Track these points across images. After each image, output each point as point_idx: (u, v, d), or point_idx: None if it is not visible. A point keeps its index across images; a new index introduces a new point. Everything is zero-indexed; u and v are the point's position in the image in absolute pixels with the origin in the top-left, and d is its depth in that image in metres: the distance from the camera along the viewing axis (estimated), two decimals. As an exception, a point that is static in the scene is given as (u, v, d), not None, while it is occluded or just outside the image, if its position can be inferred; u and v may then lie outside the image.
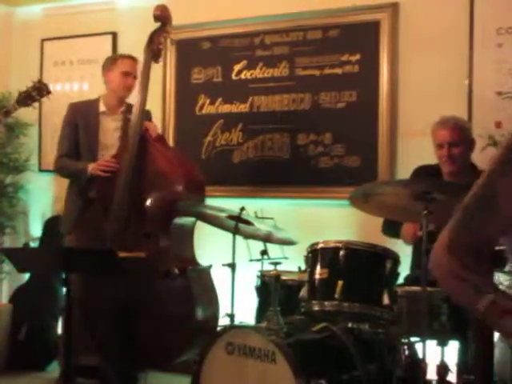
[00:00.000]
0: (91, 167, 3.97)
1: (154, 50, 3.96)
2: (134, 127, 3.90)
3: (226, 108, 4.73)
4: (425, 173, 3.59)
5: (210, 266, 4.00)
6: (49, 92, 3.76)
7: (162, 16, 3.94)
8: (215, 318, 3.90)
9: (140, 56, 4.07)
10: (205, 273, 3.98)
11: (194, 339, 3.73)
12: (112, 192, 3.85)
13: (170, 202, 3.81)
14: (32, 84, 3.75)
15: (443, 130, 3.49)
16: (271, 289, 3.17)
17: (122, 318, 3.70)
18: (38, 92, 3.72)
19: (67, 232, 4.13)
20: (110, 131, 4.14)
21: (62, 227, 4.26)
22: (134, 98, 4.07)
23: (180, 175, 3.92)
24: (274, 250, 3.57)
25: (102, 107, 4.16)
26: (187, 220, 3.94)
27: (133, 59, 4.16)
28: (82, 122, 4.12)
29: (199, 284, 3.87)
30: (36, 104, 3.96)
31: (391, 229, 3.60)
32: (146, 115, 4.05)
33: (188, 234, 4.00)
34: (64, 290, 3.21)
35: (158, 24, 3.96)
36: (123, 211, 3.82)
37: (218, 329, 3.12)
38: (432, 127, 3.55)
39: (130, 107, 4.14)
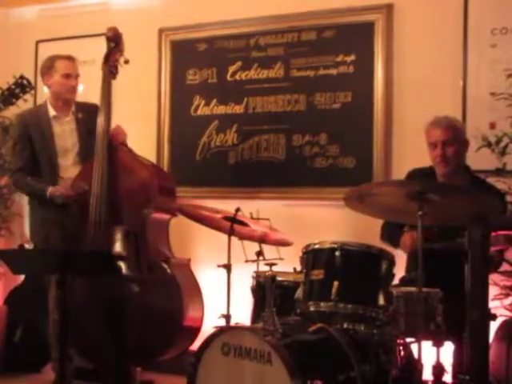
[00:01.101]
0: (50, 192, 3.95)
1: (110, 67, 4.12)
2: (101, 141, 3.97)
3: (221, 109, 4.73)
4: (420, 175, 3.58)
5: (189, 260, 4.12)
6: (32, 88, 3.65)
7: (115, 36, 4.15)
8: (201, 308, 4.00)
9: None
10: (184, 265, 4.08)
11: (182, 330, 3.82)
12: (87, 199, 3.94)
13: (145, 200, 3.93)
14: (14, 80, 3.60)
15: (436, 130, 3.47)
16: (267, 290, 3.16)
17: (111, 317, 3.73)
18: (21, 89, 3.57)
19: (39, 242, 4.13)
20: (66, 134, 4.13)
21: (32, 238, 4.23)
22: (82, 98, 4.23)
23: (151, 174, 4.02)
24: (269, 250, 3.57)
25: (51, 112, 4.12)
26: (162, 216, 4.05)
27: (70, 59, 4.16)
28: (35, 131, 4.08)
29: (182, 274, 3.95)
30: (34, 86, 3.84)
31: (390, 238, 3.60)
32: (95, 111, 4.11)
33: (164, 228, 4.09)
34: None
35: (112, 44, 4.14)
36: (101, 214, 3.90)
37: (214, 330, 3.11)
38: (425, 127, 3.53)
39: (79, 106, 4.18)
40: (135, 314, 3.72)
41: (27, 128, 4.08)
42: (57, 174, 4.06)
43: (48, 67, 4.13)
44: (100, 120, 4.02)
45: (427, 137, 3.52)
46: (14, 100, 3.61)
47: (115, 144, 4.04)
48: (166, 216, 4.08)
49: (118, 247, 3.89)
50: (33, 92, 3.87)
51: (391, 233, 3.56)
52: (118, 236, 3.92)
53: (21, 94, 3.59)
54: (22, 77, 3.62)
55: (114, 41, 4.13)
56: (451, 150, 3.44)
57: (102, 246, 3.85)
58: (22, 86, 3.58)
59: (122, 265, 3.76)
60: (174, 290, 3.81)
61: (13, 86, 3.58)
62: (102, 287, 3.69)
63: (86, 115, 4.14)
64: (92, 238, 3.90)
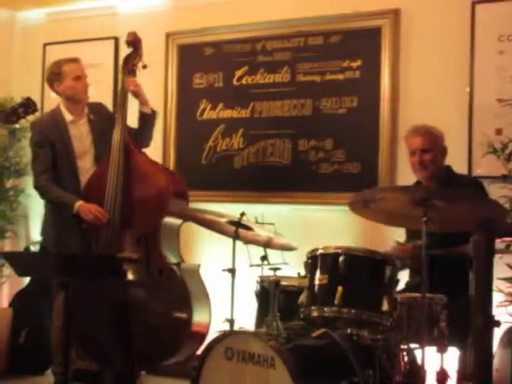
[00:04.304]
0: (79, 206, 3.88)
1: (129, 70, 4.11)
2: (117, 143, 3.96)
3: (227, 113, 4.74)
4: None
5: (199, 266, 4.08)
6: (35, 110, 3.58)
7: (134, 41, 4.13)
8: (208, 314, 3.96)
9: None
10: (194, 271, 4.04)
11: (189, 335, 3.79)
12: (101, 202, 3.92)
13: (158, 205, 3.91)
14: (20, 100, 3.57)
15: (415, 137, 3.57)
16: (271, 294, 3.17)
17: (118, 319, 3.73)
18: (24, 109, 3.52)
19: (51, 244, 4.09)
20: (83, 137, 4.10)
21: (44, 239, 4.21)
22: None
23: (165, 179, 3.99)
24: (274, 255, 3.57)
25: (67, 116, 4.08)
26: (173, 220, 4.02)
27: (76, 61, 4.12)
28: (54, 135, 4.03)
29: (191, 280, 3.92)
30: (38, 108, 3.84)
31: None
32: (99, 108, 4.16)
33: (175, 233, 4.06)
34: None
35: (131, 49, 4.13)
36: (114, 218, 3.89)
37: (218, 334, 3.10)
38: (405, 135, 3.65)
39: (89, 107, 4.14)
40: (143, 317, 3.71)
41: (46, 133, 4.04)
42: (76, 177, 4.05)
43: (56, 74, 4.08)
44: (117, 124, 4.01)
45: (407, 144, 3.64)
46: (14, 119, 3.56)
47: (131, 148, 4.01)
48: (177, 221, 4.05)
49: (129, 250, 3.88)
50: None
51: None
52: (130, 239, 3.91)
53: (22, 114, 3.54)
54: (28, 98, 3.58)
55: (133, 45, 4.13)
56: (428, 157, 3.53)
57: (114, 248, 3.84)
58: (25, 107, 3.54)
59: (132, 269, 3.76)
60: (183, 296, 3.79)
61: (16, 106, 3.55)
62: (108, 291, 3.68)
63: (98, 116, 4.13)
64: (104, 241, 3.89)
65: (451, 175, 3.63)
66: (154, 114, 4.15)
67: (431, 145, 3.54)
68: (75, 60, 4.13)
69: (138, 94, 4.09)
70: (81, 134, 4.10)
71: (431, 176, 3.54)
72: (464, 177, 3.69)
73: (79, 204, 3.89)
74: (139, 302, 3.73)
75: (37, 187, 4.07)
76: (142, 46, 4.14)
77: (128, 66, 4.12)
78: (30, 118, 3.80)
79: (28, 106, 3.55)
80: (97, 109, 4.18)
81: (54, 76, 4.10)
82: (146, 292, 3.78)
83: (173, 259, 3.93)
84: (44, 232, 4.19)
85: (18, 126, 4.96)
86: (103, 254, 3.83)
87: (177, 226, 4.07)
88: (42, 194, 4.07)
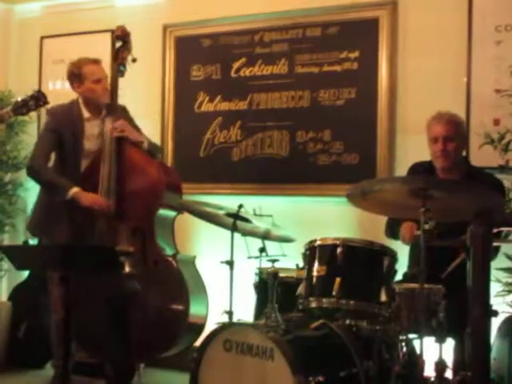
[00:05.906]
0: (76, 193, 3.87)
1: (119, 65, 4.10)
2: (109, 138, 3.98)
3: (225, 105, 4.73)
4: (421, 169, 3.60)
5: (194, 257, 4.11)
6: (46, 102, 3.68)
7: (123, 35, 4.13)
8: (205, 306, 4.00)
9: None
10: (190, 262, 4.07)
11: (187, 326, 3.82)
12: (95, 192, 3.94)
13: (151, 197, 3.93)
14: (31, 93, 3.66)
15: (438, 125, 3.51)
16: (269, 286, 3.17)
17: (114, 313, 3.74)
18: (35, 102, 3.63)
19: (41, 233, 4.13)
20: (94, 137, 4.09)
21: (33, 227, 4.21)
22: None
23: (157, 171, 4.00)
24: (272, 247, 3.57)
25: (85, 113, 4.07)
26: (168, 212, 4.04)
27: (96, 63, 4.11)
28: (66, 130, 4.02)
29: (187, 271, 3.95)
30: (49, 101, 3.82)
31: (392, 231, 3.61)
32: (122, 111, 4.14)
33: (169, 225, 4.09)
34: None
35: (120, 43, 4.14)
36: (110, 210, 3.90)
37: (216, 326, 3.11)
38: (427, 122, 3.57)
39: (109, 107, 4.08)
40: (140, 309, 3.72)
41: (59, 126, 4.02)
42: (79, 173, 4.04)
43: (76, 75, 4.06)
44: (107, 120, 4.02)
45: (429, 131, 3.56)
46: (24, 111, 3.66)
47: (124, 142, 4.01)
48: (171, 213, 4.08)
49: (124, 243, 3.89)
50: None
51: (392, 225, 3.58)
52: (125, 232, 3.93)
53: (33, 107, 3.65)
54: (39, 91, 3.68)
55: (122, 39, 4.13)
56: (452, 146, 3.48)
57: (109, 241, 3.85)
58: (36, 100, 3.64)
59: (128, 261, 3.77)
60: (180, 287, 3.81)
61: (27, 98, 3.64)
62: (105, 284, 3.69)
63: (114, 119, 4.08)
64: (99, 233, 3.91)
65: (474, 170, 3.58)
66: (149, 151, 4.09)
67: (455, 133, 3.49)
68: (96, 61, 4.10)
69: (126, 139, 4.02)
70: (93, 134, 4.08)
71: (451, 166, 3.50)
72: (488, 175, 3.57)
73: (75, 190, 3.88)
74: (135, 294, 3.74)
75: (29, 166, 4.02)
76: (130, 39, 4.12)
77: (118, 60, 4.10)
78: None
79: (39, 98, 3.66)
80: (114, 111, 4.09)
81: (73, 76, 4.08)
82: (142, 284, 3.78)
83: (168, 251, 3.95)
84: (35, 219, 4.17)
85: (15, 119, 5.00)
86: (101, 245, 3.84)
87: (171, 218, 4.09)
88: (35, 174, 3.99)
